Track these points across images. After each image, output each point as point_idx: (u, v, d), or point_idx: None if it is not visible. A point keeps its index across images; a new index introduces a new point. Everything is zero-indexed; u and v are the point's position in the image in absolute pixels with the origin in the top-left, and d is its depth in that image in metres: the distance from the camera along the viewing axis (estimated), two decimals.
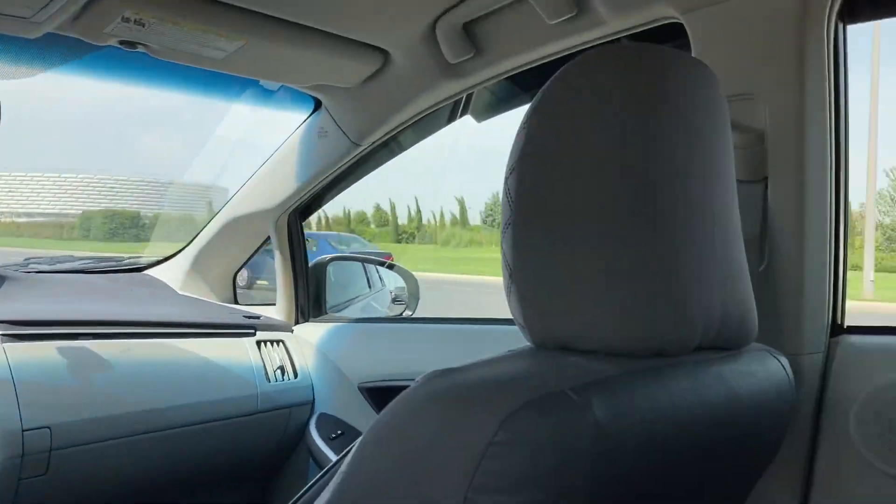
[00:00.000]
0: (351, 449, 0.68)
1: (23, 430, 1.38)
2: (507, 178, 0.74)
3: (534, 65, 1.32)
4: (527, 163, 0.72)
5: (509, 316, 0.75)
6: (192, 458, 1.66)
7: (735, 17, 1.03)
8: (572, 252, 0.69)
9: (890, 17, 1.10)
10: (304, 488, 0.95)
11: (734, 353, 0.80)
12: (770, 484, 1.02)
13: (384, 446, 0.63)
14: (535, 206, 0.71)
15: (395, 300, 2.41)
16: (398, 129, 1.62)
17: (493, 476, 0.56)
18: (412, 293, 2.19)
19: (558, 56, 1.28)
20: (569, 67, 0.74)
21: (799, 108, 1.01)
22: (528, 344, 0.74)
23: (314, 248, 11.67)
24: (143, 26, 1.16)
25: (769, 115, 1.03)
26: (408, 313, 2.17)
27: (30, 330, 1.50)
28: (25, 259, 2.15)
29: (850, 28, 1.09)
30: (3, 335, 1.46)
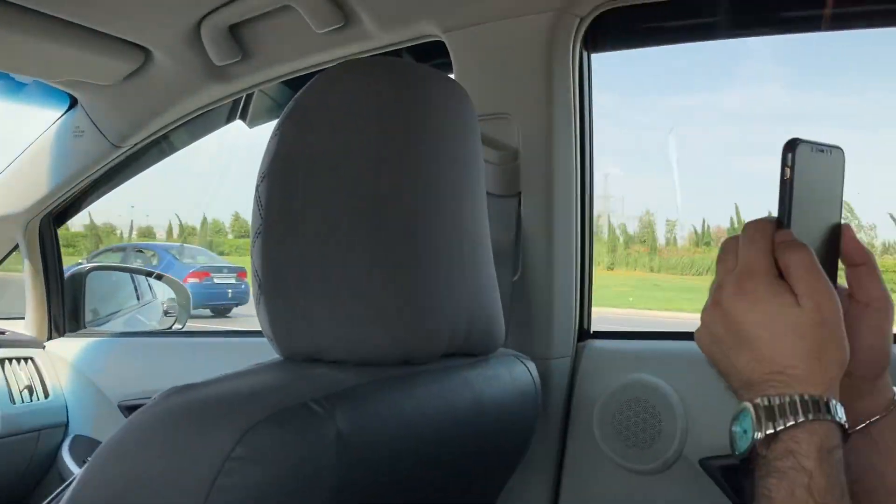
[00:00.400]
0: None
1: None
2: (257, 186, 0.72)
3: (305, 73, 1.31)
4: (277, 171, 0.71)
5: None
6: None
7: (491, 39, 1.08)
8: (321, 262, 0.68)
9: (628, 49, 1.22)
10: None
11: (482, 359, 0.83)
12: (522, 483, 1.07)
13: (114, 467, 0.59)
14: (285, 216, 0.70)
15: (167, 313, 2.28)
16: (164, 131, 1.53)
17: (230, 493, 0.54)
18: (183, 305, 2.09)
19: (328, 65, 1.28)
20: (322, 76, 0.74)
21: (548, 128, 1.09)
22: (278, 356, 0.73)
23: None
24: None
25: (522, 134, 1.09)
26: (177, 326, 2.06)
27: None
28: None
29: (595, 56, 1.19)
30: None
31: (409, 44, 1.20)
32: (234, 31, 1.24)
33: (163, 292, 2.37)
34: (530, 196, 1.11)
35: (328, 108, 0.71)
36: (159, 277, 2.22)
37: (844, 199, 0.64)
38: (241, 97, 1.64)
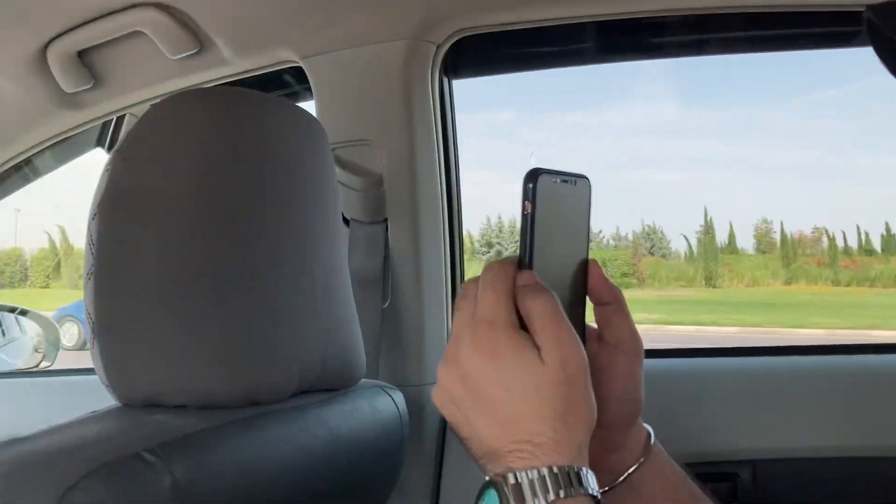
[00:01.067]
0: None
1: None
2: (89, 224, 0.69)
3: (160, 99, 1.27)
4: (109, 208, 0.68)
5: None
6: None
7: (350, 65, 1.08)
8: (158, 302, 0.66)
9: (489, 75, 1.24)
10: None
11: (340, 394, 0.82)
12: None
13: None
14: (119, 254, 0.67)
15: (37, 350, 2.16)
16: (18, 159, 1.45)
17: None
18: (51, 342, 1.98)
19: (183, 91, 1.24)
20: (153, 109, 0.71)
21: (410, 154, 1.09)
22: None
23: None
24: None
25: (385, 161, 1.09)
26: (45, 364, 1.95)
27: None
28: None
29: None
30: None
31: (270, 69, 1.18)
32: (84, 57, 1.19)
33: (32, 328, 2.24)
34: (396, 221, 1.11)
35: (159, 141, 0.69)
36: (24, 313, 2.09)
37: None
38: (111, 122, 1.58)
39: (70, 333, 8.36)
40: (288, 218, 0.73)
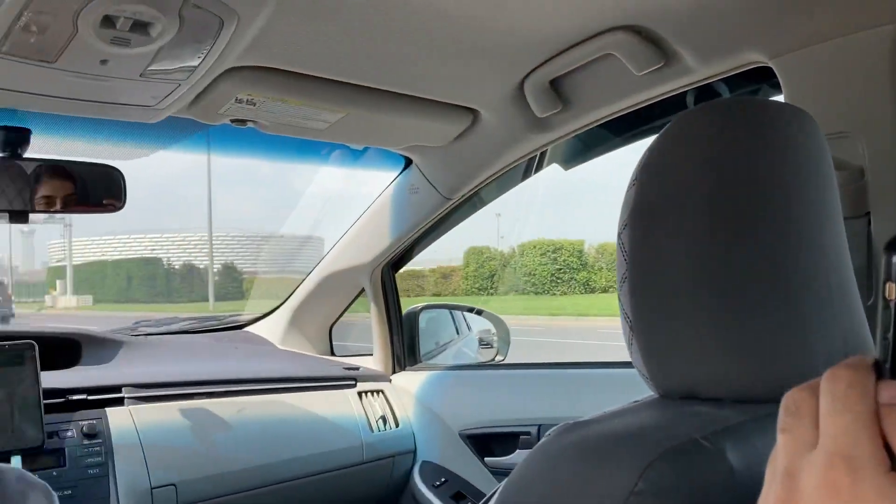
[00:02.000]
0: (493, 495, 0.71)
1: (151, 489, 1.47)
2: (619, 233, 0.77)
3: (620, 114, 1.36)
4: (639, 218, 0.75)
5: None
6: None
7: (825, 59, 1.05)
8: (691, 302, 0.71)
9: None
10: None
11: None
12: None
13: (525, 497, 0.66)
14: (650, 259, 0.74)
15: (482, 344, 2.44)
16: (489, 181, 1.67)
17: None
18: (503, 339, 2.22)
19: (645, 104, 1.32)
20: (673, 125, 0.77)
21: None
22: (652, 393, 0.77)
23: None
24: (255, 105, 1.25)
25: (867, 151, 1.04)
26: (499, 359, 2.19)
27: (152, 392, 1.60)
28: (135, 322, 2.28)
29: None
30: (129, 398, 1.55)
31: (730, 74, 1.19)
32: (555, 83, 1.33)
33: (477, 326, 2.54)
34: (882, 214, 1.05)
35: (681, 154, 0.74)
36: (479, 312, 2.38)
37: None
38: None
39: None
40: (798, 217, 0.74)
